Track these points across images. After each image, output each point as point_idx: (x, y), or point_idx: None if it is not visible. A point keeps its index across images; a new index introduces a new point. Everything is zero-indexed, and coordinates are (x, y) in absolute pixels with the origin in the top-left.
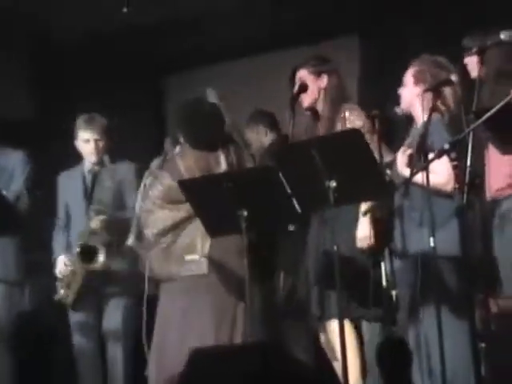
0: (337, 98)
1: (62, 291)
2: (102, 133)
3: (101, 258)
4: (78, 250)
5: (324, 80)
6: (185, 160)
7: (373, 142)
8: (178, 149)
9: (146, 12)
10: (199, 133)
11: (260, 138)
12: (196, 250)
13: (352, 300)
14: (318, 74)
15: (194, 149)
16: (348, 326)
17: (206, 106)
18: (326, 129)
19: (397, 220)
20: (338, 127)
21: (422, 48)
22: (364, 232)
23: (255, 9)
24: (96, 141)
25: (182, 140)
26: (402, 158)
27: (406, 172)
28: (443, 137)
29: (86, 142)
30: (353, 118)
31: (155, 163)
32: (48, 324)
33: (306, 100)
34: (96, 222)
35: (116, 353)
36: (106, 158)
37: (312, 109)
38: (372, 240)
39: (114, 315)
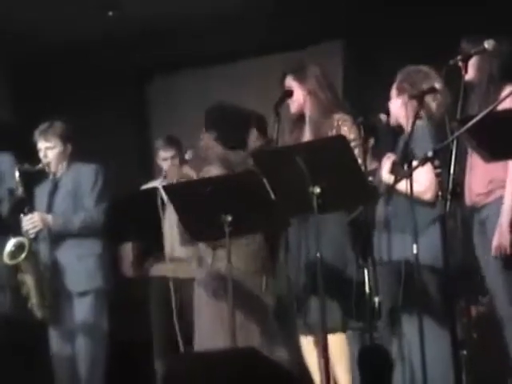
0: (323, 102)
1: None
2: (57, 140)
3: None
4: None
5: (307, 85)
6: (221, 156)
7: (361, 153)
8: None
9: (133, 15)
10: (234, 133)
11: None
12: None
13: (336, 310)
14: (300, 80)
15: (228, 148)
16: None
17: (240, 109)
18: (313, 133)
19: (380, 227)
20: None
21: (407, 54)
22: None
23: (244, 14)
24: (46, 149)
25: (214, 139)
26: (386, 165)
27: (390, 178)
28: (427, 144)
29: (40, 151)
30: (346, 129)
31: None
32: (29, 328)
33: (293, 106)
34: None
35: (82, 346)
36: (64, 164)
37: (300, 114)
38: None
39: (80, 307)
